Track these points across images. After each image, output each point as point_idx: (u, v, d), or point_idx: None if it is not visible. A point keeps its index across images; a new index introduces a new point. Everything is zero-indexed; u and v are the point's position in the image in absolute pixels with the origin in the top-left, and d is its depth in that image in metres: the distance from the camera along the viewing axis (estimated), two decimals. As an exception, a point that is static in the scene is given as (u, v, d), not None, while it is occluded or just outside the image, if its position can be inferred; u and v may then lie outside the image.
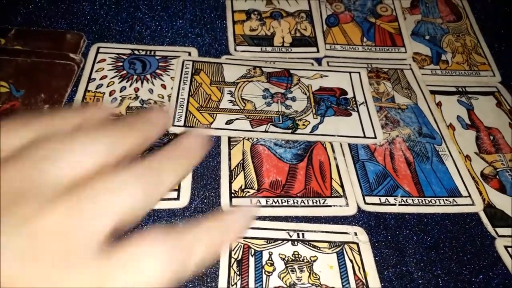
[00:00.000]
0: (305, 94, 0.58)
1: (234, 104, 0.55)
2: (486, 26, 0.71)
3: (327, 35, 0.67)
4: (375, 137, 0.54)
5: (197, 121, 0.53)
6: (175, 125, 0.52)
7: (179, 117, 0.53)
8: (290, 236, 0.46)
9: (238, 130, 0.53)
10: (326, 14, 0.69)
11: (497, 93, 0.64)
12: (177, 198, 0.47)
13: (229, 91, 0.57)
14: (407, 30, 0.69)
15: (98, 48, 0.60)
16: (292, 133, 0.54)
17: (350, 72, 0.61)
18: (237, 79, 0.58)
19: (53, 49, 0.59)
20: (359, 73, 0.61)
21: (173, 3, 0.67)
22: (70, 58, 0.58)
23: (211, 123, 0.53)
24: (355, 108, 0.57)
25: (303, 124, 0.55)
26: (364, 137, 0.54)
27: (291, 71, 0.60)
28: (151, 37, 0.63)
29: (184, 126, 0.52)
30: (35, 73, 0.56)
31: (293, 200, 0.49)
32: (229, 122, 0.54)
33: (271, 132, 0.53)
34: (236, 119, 0.54)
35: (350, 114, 0.57)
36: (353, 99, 0.58)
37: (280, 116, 0.55)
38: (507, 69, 0.66)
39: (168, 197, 0.47)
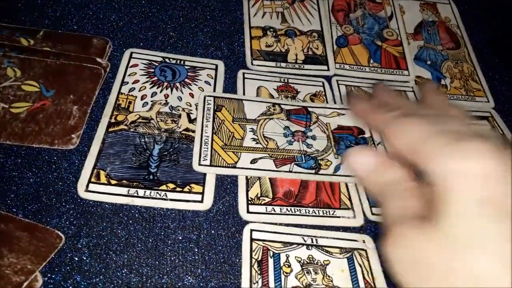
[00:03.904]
0: (324, 132, 0.60)
1: (257, 143, 0.57)
2: (482, 56, 0.76)
3: (337, 55, 0.71)
4: None
5: (223, 160, 0.54)
6: (202, 164, 0.53)
7: (205, 156, 0.54)
8: (305, 241, 0.50)
9: (263, 170, 0.54)
10: (336, 35, 0.73)
11: (490, 118, 0.69)
12: (201, 201, 0.50)
13: (251, 128, 0.58)
14: (411, 54, 0.74)
15: (131, 53, 0.63)
16: (315, 173, 0.56)
17: None
18: (258, 116, 0.60)
19: (80, 52, 0.61)
20: None
21: (194, 16, 0.70)
22: (97, 62, 0.61)
23: (236, 162, 0.54)
24: (374, 148, 0.60)
25: (326, 164, 0.56)
26: None
27: (309, 109, 0.62)
28: (173, 47, 0.66)
29: (211, 165, 0.53)
30: (64, 75, 0.58)
31: (305, 210, 0.53)
32: (253, 161, 0.55)
33: (295, 172, 0.55)
34: (260, 158, 0.55)
35: None
36: (371, 138, 0.61)
37: (303, 156, 0.57)
38: (500, 96, 0.72)
39: (193, 199, 0.50)
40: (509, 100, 0.72)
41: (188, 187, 0.51)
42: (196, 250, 0.47)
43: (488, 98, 0.71)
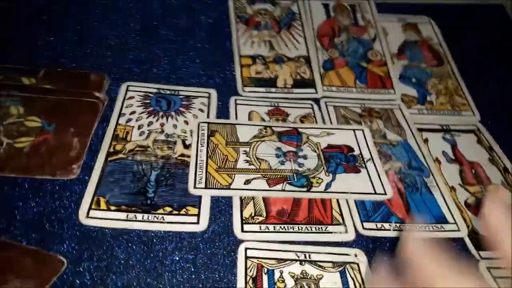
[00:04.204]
0: (315, 151, 0.62)
1: (250, 164, 0.59)
2: (466, 71, 0.79)
3: (324, 78, 0.74)
4: (385, 193, 0.59)
5: (217, 182, 0.56)
6: (197, 187, 0.55)
7: (200, 179, 0.56)
8: (298, 257, 0.52)
9: (257, 190, 0.57)
10: (322, 59, 0.77)
11: (477, 131, 0.71)
12: (197, 222, 0.53)
13: (244, 151, 0.61)
14: (395, 73, 0.77)
15: (128, 86, 0.67)
16: (307, 191, 0.58)
17: (354, 130, 0.66)
18: (250, 139, 0.63)
19: (79, 88, 0.65)
20: (362, 130, 0.66)
21: (186, 49, 0.74)
22: (95, 96, 0.64)
23: (230, 183, 0.57)
24: (363, 165, 0.62)
25: (317, 182, 0.59)
26: (375, 193, 0.59)
27: (300, 130, 0.65)
28: (167, 78, 0.69)
29: (205, 187, 0.56)
30: (64, 109, 0.62)
31: (298, 227, 0.55)
32: (247, 182, 0.57)
33: (287, 191, 0.57)
34: (254, 178, 0.58)
35: (359, 171, 0.61)
36: (360, 155, 0.63)
37: (295, 175, 0.59)
38: (485, 109, 0.74)
39: (189, 221, 0.52)
40: (494, 113, 0.74)
41: (184, 209, 0.53)
42: (193, 269, 0.49)
43: (473, 111, 0.74)
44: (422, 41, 0.82)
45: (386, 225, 0.57)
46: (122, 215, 0.52)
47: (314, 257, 0.52)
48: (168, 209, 0.53)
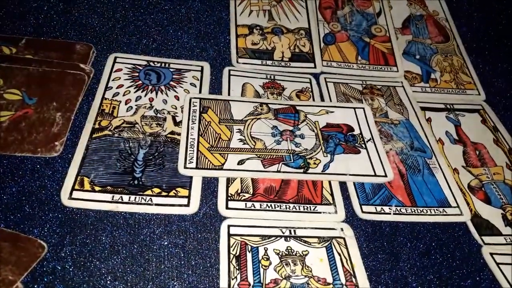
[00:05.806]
0: (313, 131, 0.59)
1: (244, 143, 0.56)
2: (472, 48, 0.75)
3: (324, 52, 0.70)
4: (386, 175, 0.56)
5: (209, 162, 0.54)
6: (188, 167, 0.52)
7: (191, 159, 0.53)
8: (283, 233, 0.50)
9: (251, 171, 0.54)
10: (323, 32, 0.73)
11: (482, 111, 0.68)
12: (187, 205, 0.50)
13: (238, 129, 0.58)
14: (399, 49, 0.73)
15: (115, 58, 0.63)
16: (304, 172, 0.55)
17: (354, 108, 0.63)
18: (245, 117, 0.59)
19: (63, 59, 0.61)
20: (363, 108, 0.63)
21: (178, 19, 0.70)
22: (80, 68, 0.60)
23: (223, 163, 0.54)
24: (363, 145, 0.59)
25: (314, 163, 0.56)
26: (375, 175, 0.56)
27: (297, 107, 0.62)
28: (157, 50, 0.65)
29: (196, 168, 0.53)
30: (47, 82, 0.58)
31: (286, 206, 0.52)
32: (241, 162, 0.54)
33: (283, 172, 0.54)
34: (248, 158, 0.55)
35: (359, 152, 0.58)
36: (360, 135, 0.60)
37: (291, 155, 0.56)
38: (491, 88, 0.71)
39: (178, 203, 0.50)
40: (500, 92, 0.71)
41: (174, 191, 0.51)
42: (182, 255, 0.46)
43: (479, 90, 0.71)
44: (428, 15, 0.78)
45: (386, 209, 0.54)
46: (107, 196, 0.49)
47: (299, 232, 0.50)
48: (157, 190, 0.50)
